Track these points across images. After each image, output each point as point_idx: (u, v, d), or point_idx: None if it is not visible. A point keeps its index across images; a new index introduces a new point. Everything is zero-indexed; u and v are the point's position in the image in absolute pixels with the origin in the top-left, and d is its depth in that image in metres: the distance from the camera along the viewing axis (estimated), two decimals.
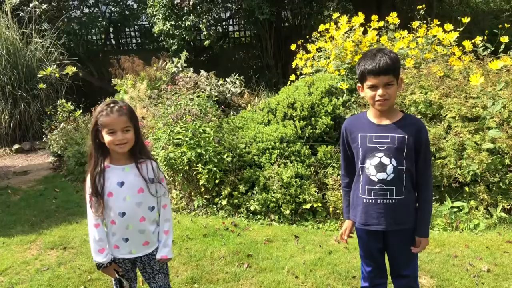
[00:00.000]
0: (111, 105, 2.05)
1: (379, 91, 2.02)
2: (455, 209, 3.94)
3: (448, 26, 5.30)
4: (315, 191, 4.22)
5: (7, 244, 4.00)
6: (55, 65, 8.13)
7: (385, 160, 2.07)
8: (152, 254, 2.22)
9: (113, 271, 2.18)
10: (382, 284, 2.38)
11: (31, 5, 8.95)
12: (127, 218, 2.11)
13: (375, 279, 2.36)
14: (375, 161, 2.09)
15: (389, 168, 2.07)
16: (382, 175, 2.08)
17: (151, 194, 2.15)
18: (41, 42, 8.55)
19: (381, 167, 2.08)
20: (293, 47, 6.54)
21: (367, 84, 2.05)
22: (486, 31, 5.41)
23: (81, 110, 6.99)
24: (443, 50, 5.28)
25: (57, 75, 7.86)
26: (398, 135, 2.07)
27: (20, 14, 9.04)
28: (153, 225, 2.20)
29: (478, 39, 5.23)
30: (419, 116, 4.38)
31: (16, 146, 7.90)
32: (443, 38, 5.28)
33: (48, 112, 7.32)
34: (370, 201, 2.15)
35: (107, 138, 2.03)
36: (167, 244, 2.21)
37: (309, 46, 6.19)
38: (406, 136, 2.06)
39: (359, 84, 2.16)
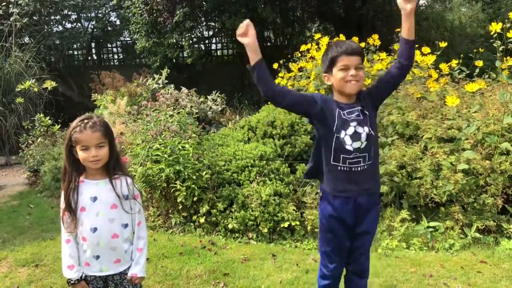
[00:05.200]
0: (85, 121, 2.04)
1: (352, 71, 2.14)
2: (431, 229, 3.97)
3: (426, 49, 5.43)
4: (294, 210, 4.21)
5: None
6: (34, 79, 8.02)
7: (359, 129, 2.18)
8: (124, 273, 2.18)
9: None
10: (340, 275, 2.47)
11: (11, 18, 8.86)
12: (98, 234, 2.07)
13: (337, 273, 2.43)
14: (351, 130, 2.18)
15: (363, 136, 2.19)
16: (357, 144, 2.19)
17: (124, 211, 2.13)
18: (20, 56, 8.45)
19: (355, 136, 2.18)
20: (275, 66, 6.60)
21: (339, 66, 2.17)
22: (462, 55, 5.56)
23: (60, 125, 6.88)
24: (421, 72, 5.39)
25: (35, 89, 7.75)
26: (361, 107, 2.22)
27: (0, 28, 8.94)
28: (126, 243, 2.17)
29: (454, 63, 5.36)
30: (396, 137, 4.45)
31: None
32: (420, 61, 5.40)
33: (26, 127, 7.18)
34: (345, 168, 2.22)
35: (81, 154, 2.03)
36: (139, 262, 2.17)
37: (291, 66, 6.26)
38: (366, 105, 2.23)
39: (325, 74, 2.27)
